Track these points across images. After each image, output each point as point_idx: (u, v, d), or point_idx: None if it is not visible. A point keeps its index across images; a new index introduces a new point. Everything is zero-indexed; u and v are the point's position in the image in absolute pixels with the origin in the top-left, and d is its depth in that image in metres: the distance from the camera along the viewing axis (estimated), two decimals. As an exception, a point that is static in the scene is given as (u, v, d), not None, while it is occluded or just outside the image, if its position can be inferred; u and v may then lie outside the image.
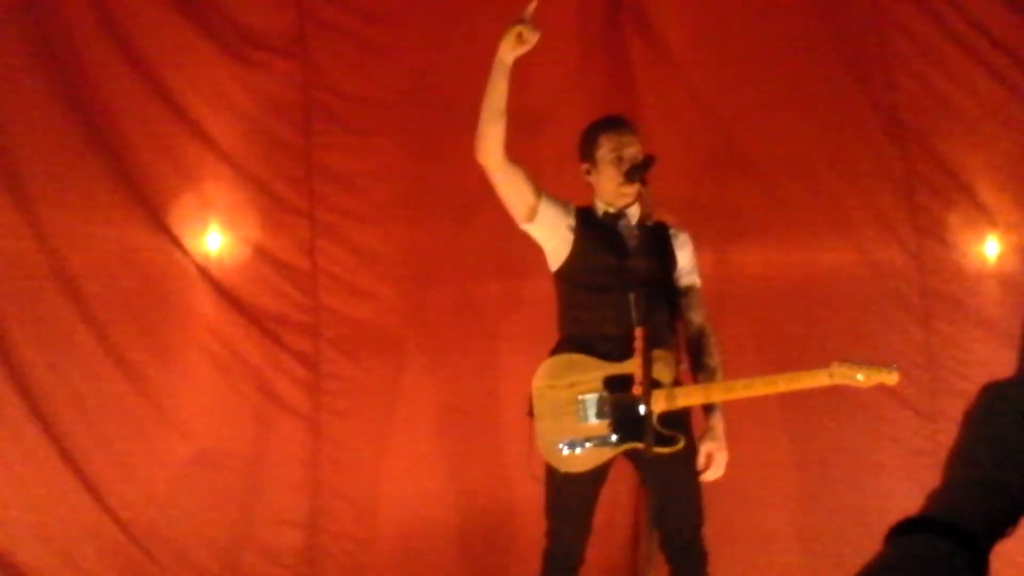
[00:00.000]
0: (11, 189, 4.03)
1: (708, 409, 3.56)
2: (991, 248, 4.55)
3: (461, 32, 4.47)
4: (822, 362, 3.35)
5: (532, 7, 3.37)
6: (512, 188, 3.58)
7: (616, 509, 4.22)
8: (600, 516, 3.73)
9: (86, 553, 3.99)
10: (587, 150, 3.69)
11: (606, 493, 3.68)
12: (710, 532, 3.58)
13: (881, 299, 4.49)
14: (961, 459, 1.07)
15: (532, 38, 3.38)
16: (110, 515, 4.01)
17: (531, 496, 3.71)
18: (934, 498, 1.05)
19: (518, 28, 3.37)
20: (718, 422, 3.54)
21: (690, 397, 3.50)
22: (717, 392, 3.52)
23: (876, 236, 4.51)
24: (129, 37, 4.20)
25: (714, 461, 3.51)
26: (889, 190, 4.53)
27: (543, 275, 3.75)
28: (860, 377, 3.36)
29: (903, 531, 1.01)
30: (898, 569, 0.98)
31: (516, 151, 3.58)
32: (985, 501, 1.03)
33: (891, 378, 3.38)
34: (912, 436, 4.31)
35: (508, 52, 3.41)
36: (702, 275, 3.78)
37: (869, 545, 1.04)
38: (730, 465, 3.52)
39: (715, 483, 3.55)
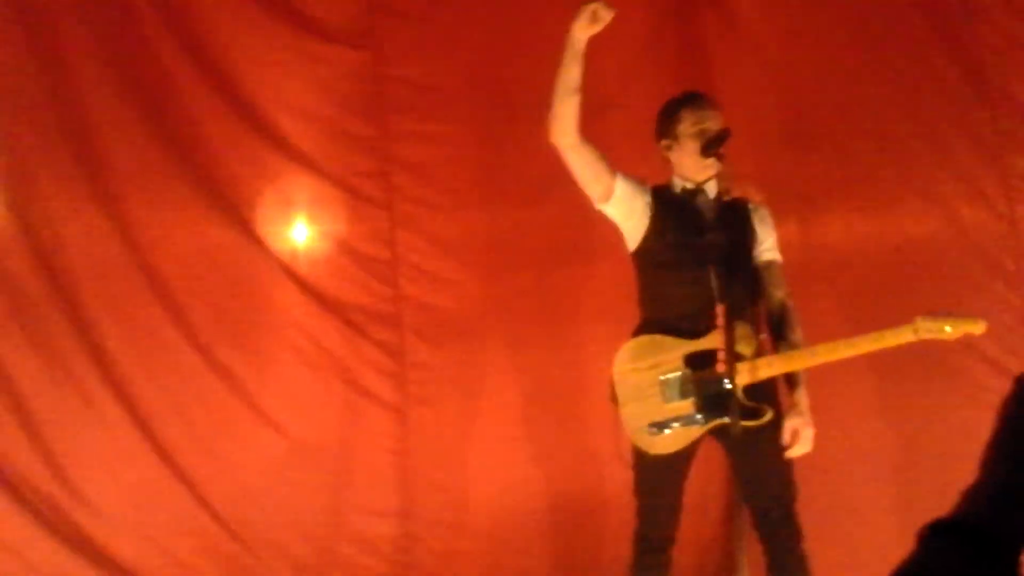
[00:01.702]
0: (97, 194, 4.13)
1: (792, 384, 3.51)
2: (1087, 207, 4.40)
3: (530, 15, 4.44)
4: (908, 319, 3.28)
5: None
6: (587, 168, 3.57)
7: (708, 486, 4.19)
8: (692, 493, 3.71)
9: (184, 546, 4.08)
10: (667, 126, 3.66)
11: (697, 470, 3.66)
12: (804, 507, 3.53)
13: (972, 265, 4.37)
14: (993, 456, 1.04)
15: (606, 16, 3.36)
16: (206, 509, 4.09)
17: (620, 478, 3.70)
18: (967, 497, 1.01)
19: (592, 6, 3.35)
20: (802, 397, 3.49)
21: (773, 367, 3.45)
22: (800, 359, 3.46)
23: (964, 200, 4.39)
24: (201, 41, 4.26)
25: (800, 436, 3.45)
26: (976, 152, 4.40)
27: (622, 255, 3.73)
28: (947, 329, 3.27)
29: (934, 532, 0.98)
30: (922, 574, 0.95)
31: (588, 131, 3.56)
32: (1014, 506, 0.99)
33: (978, 327, 3.29)
34: (1008, 403, 4.17)
35: (582, 31, 3.39)
36: (784, 248, 3.72)
37: None
38: (820, 439, 3.46)
39: (806, 458, 3.49)
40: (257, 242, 4.26)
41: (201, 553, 4.08)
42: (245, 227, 4.26)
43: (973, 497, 1.01)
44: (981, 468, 1.04)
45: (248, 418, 4.17)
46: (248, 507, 4.14)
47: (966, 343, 3.48)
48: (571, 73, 3.43)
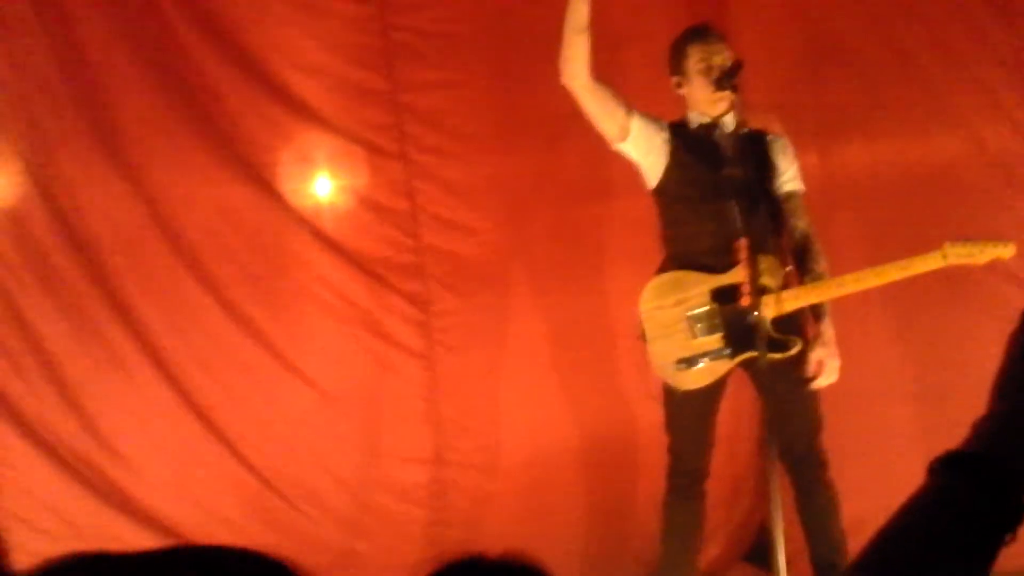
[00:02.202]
0: (116, 160, 4.13)
1: (817, 315, 3.51)
2: (1114, 122, 4.34)
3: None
4: (936, 245, 3.26)
5: None
6: (601, 108, 3.56)
7: (739, 419, 4.21)
8: (723, 427, 3.74)
9: (228, 504, 4.14)
10: (676, 63, 3.65)
11: (728, 404, 3.69)
12: (830, 438, 3.55)
13: (997, 185, 4.32)
14: (1004, 388, 1.04)
15: None
16: (246, 465, 4.15)
17: (650, 416, 3.73)
18: (976, 429, 1.02)
19: None
20: (827, 328, 3.49)
21: (800, 298, 3.46)
22: (827, 289, 3.46)
23: (986, 121, 4.33)
24: (210, 3, 4.24)
25: (825, 367, 3.46)
26: (997, 71, 4.33)
27: (641, 192, 3.72)
28: (975, 253, 3.27)
29: (943, 465, 0.99)
30: (929, 508, 0.96)
31: (601, 71, 3.54)
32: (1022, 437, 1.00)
33: (1008, 251, 3.28)
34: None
35: None
36: (807, 177, 3.71)
37: None
38: (845, 368, 3.47)
39: (831, 389, 3.50)
40: (278, 200, 4.27)
41: (242, 508, 4.15)
42: (265, 186, 4.26)
43: (982, 429, 1.02)
44: (990, 401, 1.05)
45: (278, 373, 4.21)
46: (284, 461, 4.19)
47: (992, 264, 3.46)
48: (578, 12, 3.40)
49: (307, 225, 4.29)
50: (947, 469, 0.99)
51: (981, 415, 1.03)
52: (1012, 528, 0.97)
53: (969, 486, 0.96)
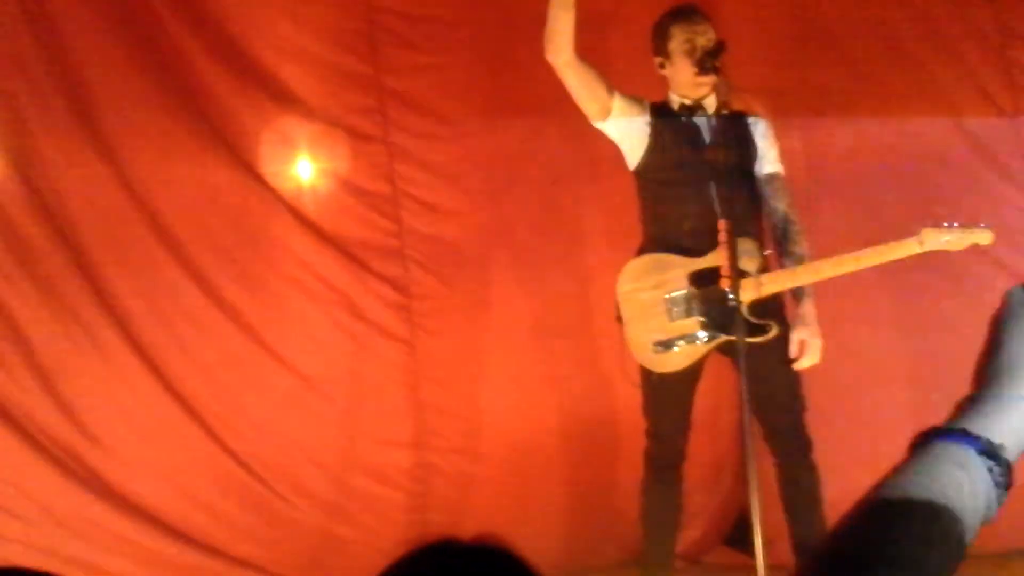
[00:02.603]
0: (96, 142, 4.11)
1: (797, 296, 3.49)
2: (1094, 100, 4.32)
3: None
4: (913, 230, 3.24)
5: None
6: (583, 85, 3.54)
7: (719, 402, 4.19)
8: (702, 410, 3.72)
9: (206, 488, 4.13)
10: (659, 43, 3.62)
11: (706, 386, 3.67)
12: (814, 418, 3.53)
13: (977, 166, 4.31)
14: (985, 369, 1.03)
15: None
16: (225, 449, 4.13)
17: (630, 399, 3.71)
18: (959, 407, 1.01)
19: None
20: (809, 308, 3.47)
21: (778, 282, 3.44)
22: (804, 274, 3.44)
23: (968, 99, 4.32)
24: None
25: (808, 348, 3.44)
26: (980, 48, 4.32)
27: (623, 175, 3.70)
28: (952, 240, 3.25)
29: (925, 438, 0.97)
30: (921, 474, 0.94)
31: (585, 50, 3.52)
32: (1010, 413, 0.98)
33: (985, 237, 3.26)
34: None
35: None
36: (788, 159, 3.68)
37: None
38: (828, 349, 3.45)
39: (815, 369, 3.48)
40: (258, 181, 4.25)
41: (221, 492, 4.14)
42: (246, 168, 4.24)
43: (965, 407, 1.01)
44: (973, 381, 1.04)
45: (258, 356, 4.19)
46: (264, 444, 4.18)
47: (976, 250, 3.44)
48: None
49: (288, 208, 4.27)
50: (942, 438, 0.97)
51: (964, 396, 1.02)
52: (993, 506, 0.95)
53: (958, 449, 0.95)
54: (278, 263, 4.27)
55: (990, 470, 0.95)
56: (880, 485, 0.94)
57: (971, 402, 1.01)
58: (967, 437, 0.96)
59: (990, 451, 0.96)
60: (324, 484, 4.23)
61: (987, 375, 1.02)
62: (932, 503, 0.90)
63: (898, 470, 0.96)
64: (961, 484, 0.93)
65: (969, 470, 0.94)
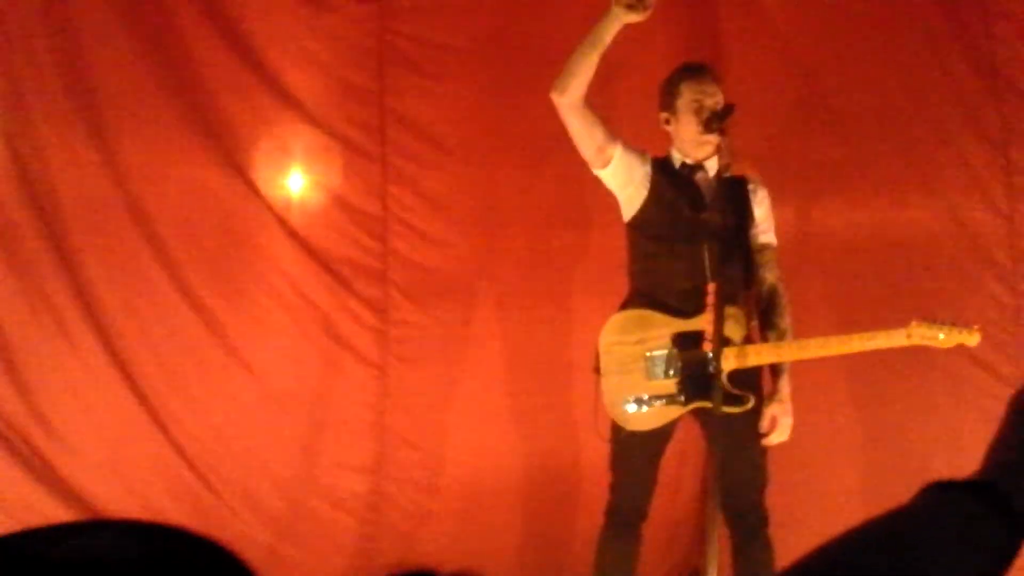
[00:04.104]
0: (93, 130, 4.07)
1: (775, 371, 3.48)
2: (1088, 211, 4.35)
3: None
4: (901, 323, 3.23)
5: None
6: (586, 131, 3.52)
7: (684, 465, 4.17)
8: (667, 472, 3.69)
9: (156, 489, 4.06)
10: (667, 99, 3.60)
11: (674, 448, 3.64)
12: (772, 495, 3.51)
13: (968, 260, 4.33)
14: (1004, 443, 1.00)
15: (640, 16, 3.32)
16: (180, 453, 4.07)
17: (597, 451, 3.67)
18: (984, 466, 0.98)
19: None
20: (785, 384, 3.45)
21: (761, 355, 3.42)
22: (789, 351, 3.43)
23: (966, 194, 4.34)
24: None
25: (779, 424, 3.42)
26: (982, 147, 4.35)
27: (617, 225, 3.68)
28: (941, 337, 3.24)
29: (940, 487, 0.94)
30: (925, 520, 0.91)
31: (592, 97, 3.51)
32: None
33: (972, 339, 3.25)
34: (992, 402, 4.15)
35: (622, 12, 3.33)
36: (780, 231, 3.67)
37: None
38: (796, 428, 3.44)
39: (780, 446, 3.46)
40: (249, 186, 4.22)
41: (172, 497, 4.06)
42: (238, 171, 4.21)
43: (983, 471, 0.99)
44: (988, 456, 1.02)
45: (227, 364, 4.14)
46: (220, 453, 4.12)
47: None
48: (606, 31, 3.38)
49: (276, 215, 4.24)
50: (946, 490, 0.94)
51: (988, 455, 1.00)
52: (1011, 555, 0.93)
53: (971, 505, 0.92)
54: (259, 272, 4.22)
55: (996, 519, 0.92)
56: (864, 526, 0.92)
57: (986, 470, 0.99)
58: (980, 493, 0.94)
59: (1002, 505, 0.93)
60: (277, 501, 4.16)
61: (1001, 448, 1.01)
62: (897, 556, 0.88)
63: (893, 520, 0.93)
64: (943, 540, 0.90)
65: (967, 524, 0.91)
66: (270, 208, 4.23)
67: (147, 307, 4.09)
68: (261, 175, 4.23)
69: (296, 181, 4.32)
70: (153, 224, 4.11)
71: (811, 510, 4.11)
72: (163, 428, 4.05)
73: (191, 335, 4.11)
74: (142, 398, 4.04)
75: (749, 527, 3.49)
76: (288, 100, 4.26)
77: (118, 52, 4.08)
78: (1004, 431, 1.02)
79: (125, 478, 4.02)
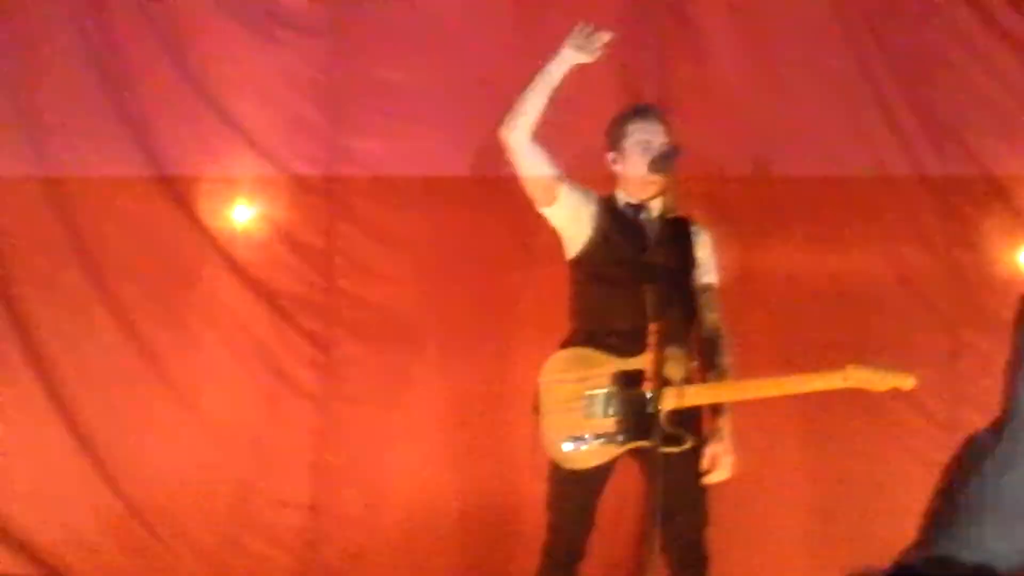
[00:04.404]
0: (34, 156, 4.03)
1: (716, 410, 3.47)
2: (1026, 257, 4.41)
3: (494, 20, 4.42)
4: (840, 366, 3.25)
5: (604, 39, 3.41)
6: (533, 168, 3.54)
7: (623, 505, 4.14)
8: (606, 511, 3.66)
9: (87, 524, 3.99)
10: (614, 138, 3.63)
11: (614, 487, 3.61)
12: (714, 534, 3.50)
13: (907, 305, 4.37)
14: (933, 514, 1.03)
15: (601, 39, 3.43)
16: (112, 487, 4.01)
17: (536, 491, 3.64)
18: (918, 547, 1.00)
19: (587, 28, 3.40)
20: (726, 423, 3.45)
21: (701, 396, 3.42)
22: (728, 392, 3.44)
23: (907, 240, 4.40)
24: (157, 10, 4.18)
25: (719, 463, 3.42)
26: (924, 193, 4.42)
27: (561, 264, 3.67)
28: (876, 380, 3.26)
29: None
30: None
31: (540, 136, 3.52)
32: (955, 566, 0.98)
33: (907, 383, 3.27)
34: (929, 446, 4.17)
35: (573, 54, 3.43)
36: (724, 273, 3.69)
37: (877, 552, 1.00)
38: (738, 467, 3.43)
39: (721, 485, 3.46)
40: (193, 218, 4.20)
41: (101, 530, 4.01)
42: (183, 201, 4.20)
43: (920, 550, 1.01)
44: (926, 521, 1.05)
45: (164, 396, 4.10)
46: (155, 488, 4.06)
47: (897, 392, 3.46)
48: (560, 69, 3.46)
49: (220, 248, 4.23)
50: None
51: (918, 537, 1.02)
52: None
53: None
54: (201, 305, 4.19)
55: None
56: None
57: (921, 546, 1.00)
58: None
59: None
60: (211, 537, 4.10)
61: (931, 519, 1.02)
62: None
63: None
64: None
65: None
66: (214, 240, 4.20)
67: (85, 338, 4.05)
68: (205, 206, 4.20)
69: (241, 213, 4.30)
70: (96, 256, 4.08)
71: (752, 551, 4.11)
72: (97, 461, 3.99)
73: (129, 367, 4.07)
74: (74, 428, 3.99)
75: (690, 567, 3.47)
76: (236, 130, 4.25)
77: (62, 77, 4.05)
78: (932, 505, 1.05)
79: (57, 511, 3.96)
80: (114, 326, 4.06)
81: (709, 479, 3.43)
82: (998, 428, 1.07)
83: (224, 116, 4.24)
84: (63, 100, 4.06)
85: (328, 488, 4.20)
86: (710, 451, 3.42)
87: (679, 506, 3.39)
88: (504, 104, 3.50)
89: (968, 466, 1.07)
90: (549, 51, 3.44)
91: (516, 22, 4.45)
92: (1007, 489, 1.03)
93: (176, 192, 4.17)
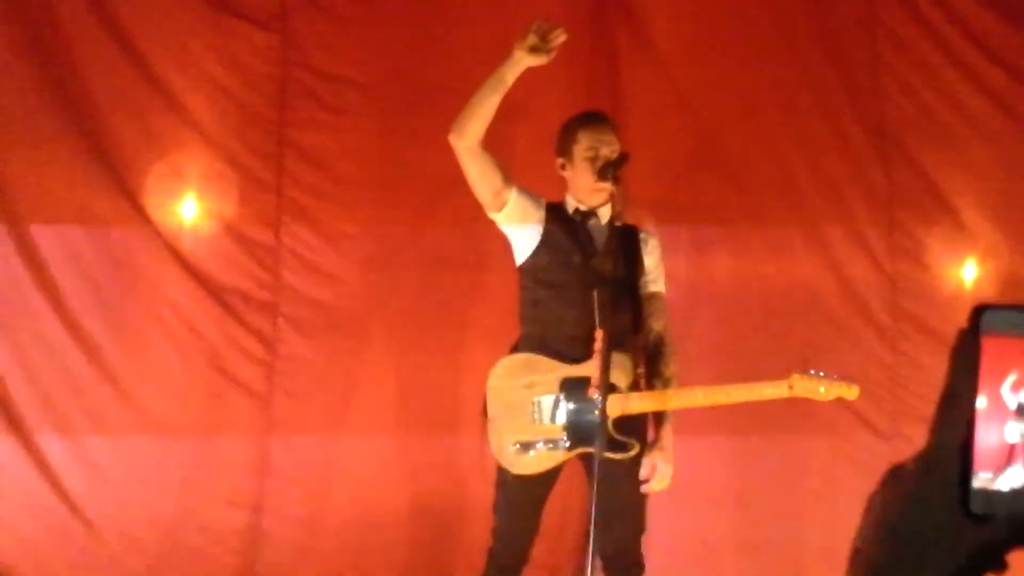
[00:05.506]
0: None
1: (659, 419, 3.50)
2: (969, 272, 4.48)
3: (443, 17, 4.42)
4: (785, 374, 3.29)
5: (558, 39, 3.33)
6: (483, 174, 3.52)
7: (568, 510, 4.17)
8: (551, 516, 3.69)
9: (26, 522, 3.93)
10: (564, 145, 3.62)
11: (559, 493, 3.63)
12: (650, 541, 3.53)
13: (850, 316, 4.44)
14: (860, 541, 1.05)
15: (555, 40, 3.36)
16: (52, 485, 3.96)
17: (482, 495, 3.66)
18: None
19: (540, 25, 3.34)
20: (667, 433, 3.48)
21: (645, 403, 3.45)
22: (674, 399, 3.47)
23: (850, 251, 4.46)
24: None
25: (659, 472, 3.45)
26: (868, 205, 4.48)
27: (509, 269, 3.68)
28: (821, 390, 3.31)
29: None
30: None
31: (491, 141, 3.52)
32: None
33: (851, 393, 3.33)
34: (868, 456, 4.25)
35: (523, 56, 3.36)
36: (671, 280, 3.71)
37: (809, 561, 1.01)
38: (676, 476, 3.47)
39: (660, 493, 3.49)
40: (139, 212, 4.14)
41: (42, 529, 3.96)
42: (129, 195, 4.14)
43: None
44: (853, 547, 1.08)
45: (107, 393, 4.05)
46: (98, 486, 4.02)
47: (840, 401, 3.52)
48: (509, 73, 3.39)
49: (166, 243, 4.17)
50: None
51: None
52: None
53: None
54: (145, 300, 4.15)
55: None
56: None
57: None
58: None
59: None
60: (154, 535, 4.07)
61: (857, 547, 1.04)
62: None
63: None
64: None
65: None
66: (159, 234, 4.15)
67: (26, 332, 3.98)
68: (152, 201, 4.16)
69: (188, 208, 4.25)
70: (36, 249, 4.01)
71: (687, 558, 4.15)
72: (38, 459, 3.93)
73: (71, 362, 4.02)
74: (15, 425, 3.92)
75: (623, 572, 3.51)
76: (184, 123, 4.22)
77: (3, 65, 3.98)
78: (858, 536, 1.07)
79: (1, 516, 3.88)
80: (56, 323, 4.00)
81: (648, 488, 3.46)
82: (921, 459, 1.10)
83: (173, 107, 4.19)
84: (4, 89, 3.98)
85: (273, 487, 4.18)
86: (650, 460, 3.44)
87: (619, 512, 3.42)
88: (454, 104, 3.48)
89: (890, 497, 1.10)
90: (502, 53, 3.41)
91: (467, 19, 4.45)
92: (924, 522, 1.07)
93: (122, 185, 4.11)
